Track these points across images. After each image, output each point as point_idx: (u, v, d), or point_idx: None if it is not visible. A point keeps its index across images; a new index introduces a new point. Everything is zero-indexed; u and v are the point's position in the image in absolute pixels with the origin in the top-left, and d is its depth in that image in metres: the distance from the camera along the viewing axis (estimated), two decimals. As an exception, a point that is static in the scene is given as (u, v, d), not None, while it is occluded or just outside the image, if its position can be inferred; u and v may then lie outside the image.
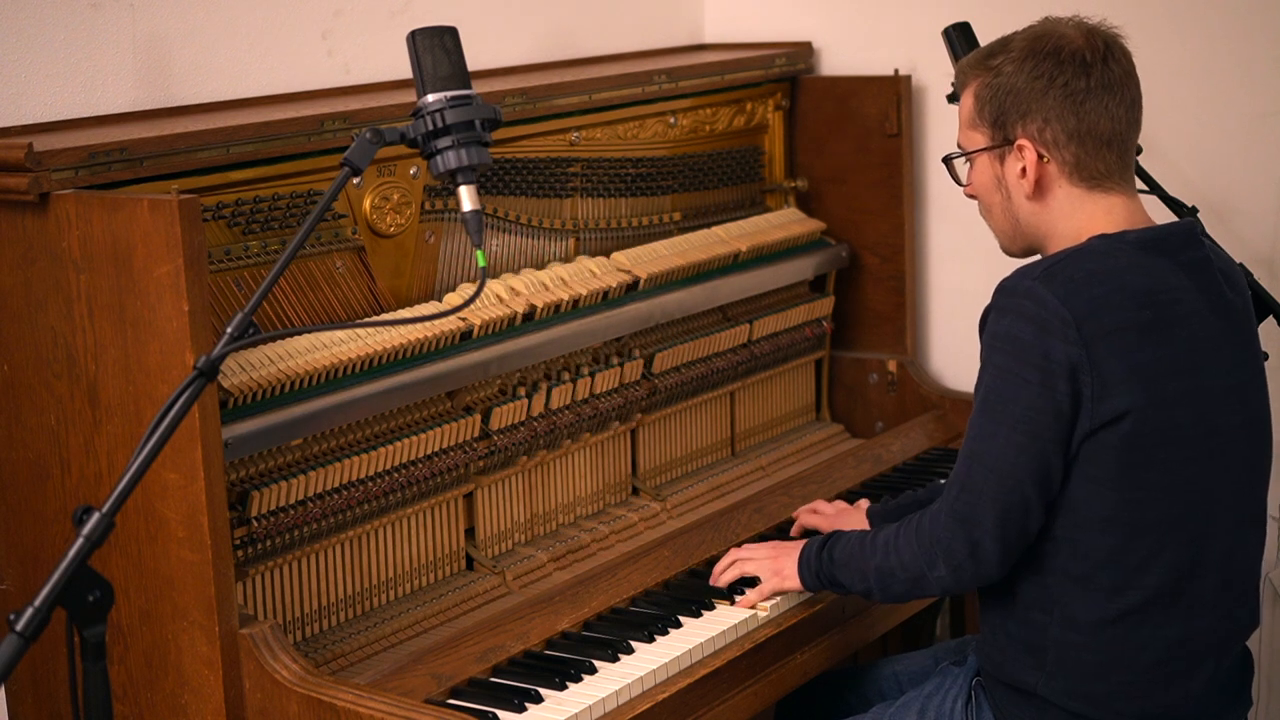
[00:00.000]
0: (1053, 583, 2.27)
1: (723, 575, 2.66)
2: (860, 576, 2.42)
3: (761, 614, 2.57)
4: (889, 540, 2.37)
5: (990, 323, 2.25)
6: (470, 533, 2.79)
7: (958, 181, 2.44)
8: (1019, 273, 2.25)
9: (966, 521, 2.26)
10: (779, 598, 2.60)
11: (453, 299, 2.74)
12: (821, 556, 2.50)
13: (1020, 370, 2.19)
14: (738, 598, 2.61)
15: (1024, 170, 2.30)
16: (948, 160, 2.44)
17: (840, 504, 2.90)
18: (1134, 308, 2.20)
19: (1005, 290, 2.24)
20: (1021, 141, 2.30)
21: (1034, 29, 2.32)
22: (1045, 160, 2.30)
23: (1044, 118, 2.27)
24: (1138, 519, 2.22)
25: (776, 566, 2.59)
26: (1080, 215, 2.30)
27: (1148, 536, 2.22)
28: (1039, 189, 2.31)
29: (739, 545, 2.73)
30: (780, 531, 2.90)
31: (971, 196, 2.42)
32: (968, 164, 2.40)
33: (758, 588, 2.60)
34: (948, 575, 2.29)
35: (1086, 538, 2.23)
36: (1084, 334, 2.17)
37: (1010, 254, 2.42)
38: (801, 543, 2.58)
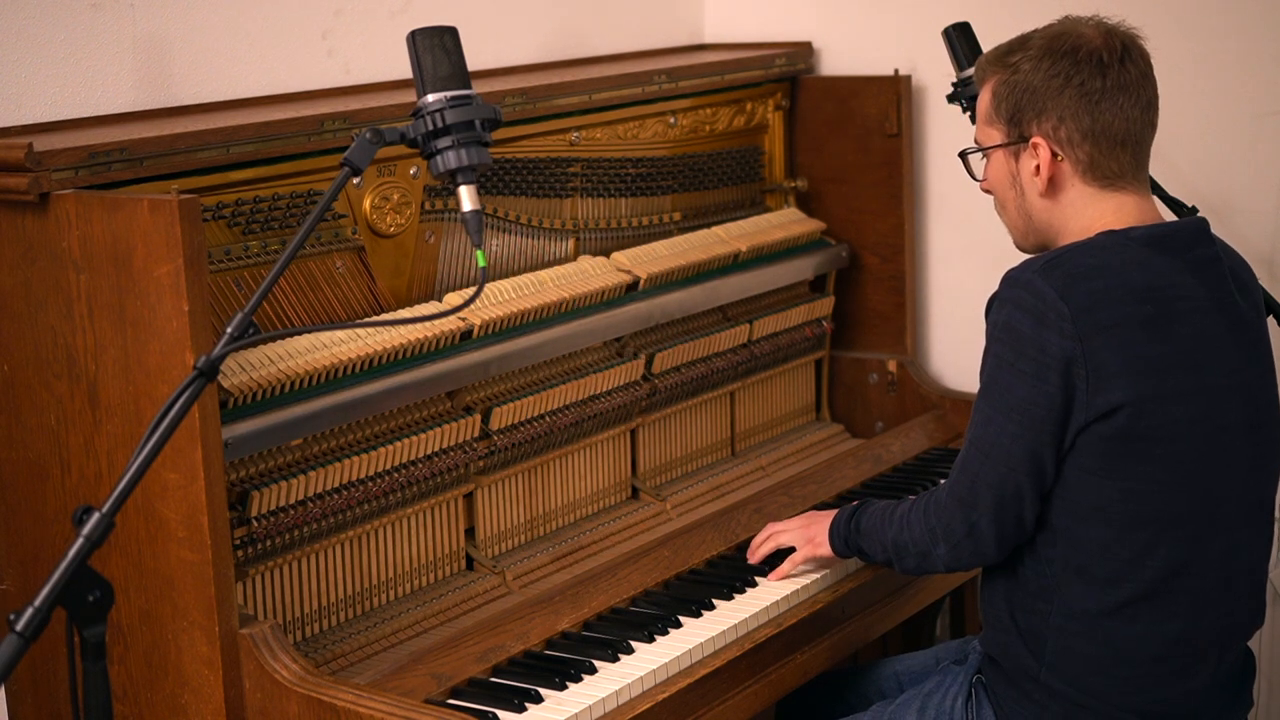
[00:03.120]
0: (1054, 572, 2.28)
1: (759, 550, 2.71)
2: (881, 547, 2.48)
3: (795, 587, 2.64)
4: (905, 515, 2.42)
5: (993, 312, 2.28)
6: (470, 533, 2.79)
7: (973, 177, 2.46)
8: (1023, 265, 2.27)
9: (965, 503, 2.30)
10: (814, 574, 2.65)
11: (453, 299, 2.74)
12: (850, 525, 2.56)
13: (1016, 361, 2.21)
14: (768, 571, 2.68)
15: (1038, 168, 2.31)
16: (964, 155, 2.45)
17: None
18: (1134, 302, 2.21)
19: (1008, 281, 2.26)
20: (1036, 139, 2.30)
21: (1053, 28, 2.33)
22: (1059, 159, 2.30)
23: (1059, 116, 2.28)
24: (1133, 512, 2.22)
25: (809, 534, 2.65)
26: (1091, 213, 2.31)
27: (1144, 530, 2.23)
28: (1052, 187, 2.32)
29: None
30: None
31: (987, 192, 2.43)
32: (984, 159, 2.41)
33: (791, 556, 2.66)
34: (948, 553, 2.34)
35: (1082, 528, 2.25)
36: (1079, 327, 2.17)
37: (1023, 250, 2.43)
38: (833, 512, 2.63)
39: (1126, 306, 2.20)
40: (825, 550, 2.62)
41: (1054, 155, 2.31)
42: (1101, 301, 2.20)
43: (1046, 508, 2.27)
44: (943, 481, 2.42)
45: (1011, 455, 2.24)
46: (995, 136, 2.37)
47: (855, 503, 2.60)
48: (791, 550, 2.68)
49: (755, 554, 2.72)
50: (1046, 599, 2.29)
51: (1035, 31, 2.35)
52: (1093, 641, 2.26)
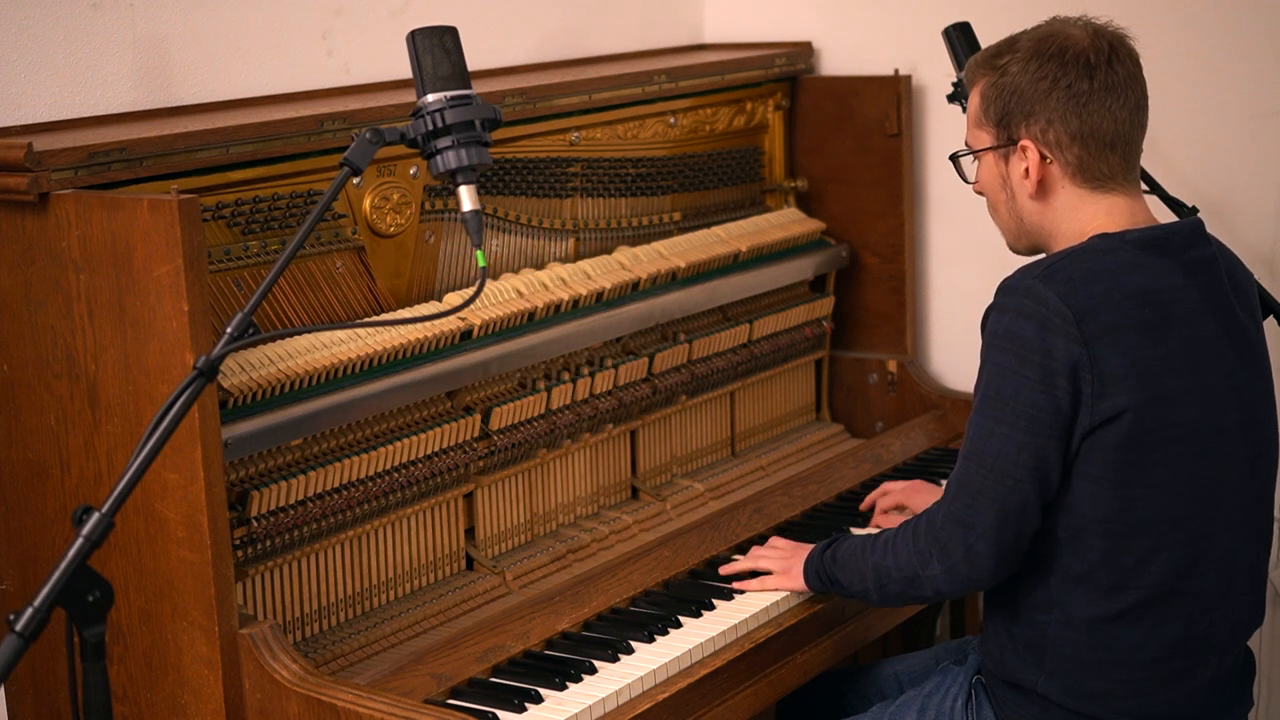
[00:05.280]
0: (1054, 582, 2.27)
1: (734, 567, 2.69)
2: (859, 576, 2.43)
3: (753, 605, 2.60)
4: (889, 540, 2.38)
5: (991, 321, 2.26)
6: (470, 533, 2.79)
7: (965, 179, 2.45)
8: (1020, 271, 2.25)
9: (963, 523, 2.26)
10: (783, 594, 2.61)
11: (453, 299, 2.74)
12: (824, 556, 2.52)
13: (1020, 368, 2.19)
14: (738, 584, 2.64)
15: (1027, 170, 2.31)
16: (954, 158, 2.45)
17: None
18: (1133, 306, 2.20)
19: (1006, 289, 2.24)
20: (1025, 142, 2.30)
21: (1041, 29, 2.33)
22: (1048, 161, 2.30)
23: (1047, 119, 2.28)
24: (1136, 518, 2.22)
25: (786, 564, 2.62)
26: (1082, 215, 2.31)
27: (1146, 535, 2.22)
28: (1042, 189, 2.32)
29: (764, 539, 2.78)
30: (780, 532, 2.90)
31: (980, 194, 2.43)
32: (974, 162, 2.40)
33: (760, 579, 2.64)
34: (941, 575, 2.29)
35: (1086, 537, 2.23)
36: (1084, 331, 2.17)
37: (1016, 251, 2.42)
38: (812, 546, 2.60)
39: (1126, 311, 2.20)
40: (797, 583, 2.59)
41: (1043, 157, 2.30)
42: (1103, 306, 2.19)
43: (1050, 519, 2.25)
44: (932, 504, 2.39)
45: (1017, 466, 2.20)
46: (985, 139, 2.37)
47: (833, 536, 2.57)
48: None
49: (729, 568, 2.70)
50: (1045, 610, 2.28)
51: (1023, 33, 2.34)
52: (1093, 648, 2.25)
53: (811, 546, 2.62)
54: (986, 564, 2.26)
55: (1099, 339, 2.17)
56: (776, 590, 2.62)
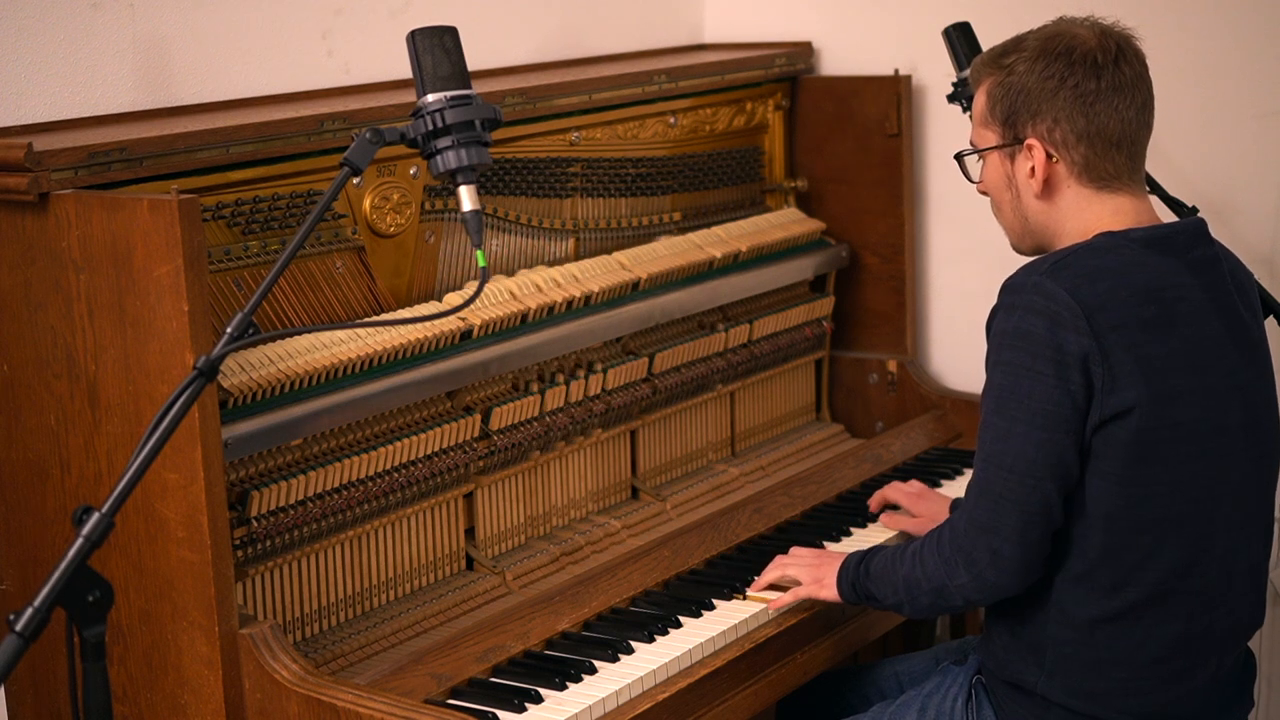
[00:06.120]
0: (1055, 582, 2.27)
1: (764, 580, 2.64)
2: (892, 589, 2.40)
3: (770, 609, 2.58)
4: (917, 550, 2.36)
5: (998, 321, 2.24)
6: (470, 533, 2.79)
7: (969, 179, 2.45)
8: (1025, 269, 2.25)
9: (986, 529, 2.24)
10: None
11: (453, 299, 2.74)
12: (859, 569, 2.47)
13: (1033, 364, 2.19)
14: (773, 603, 2.59)
15: (1033, 170, 2.30)
16: (959, 157, 2.45)
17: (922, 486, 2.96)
18: (1137, 303, 2.20)
19: (1012, 288, 2.24)
20: (1031, 141, 2.30)
21: (1048, 29, 2.33)
22: (1054, 160, 2.30)
23: (1053, 118, 2.27)
24: (1139, 515, 2.22)
25: (818, 574, 2.56)
26: (1088, 215, 2.30)
27: (1148, 534, 2.22)
28: (1048, 188, 2.31)
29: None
30: (780, 532, 2.91)
31: (984, 194, 2.42)
32: (980, 162, 2.40)
33: (793, 589, 2.58)
34: (970, 584, 2.27)
35: (1089, 535, 2.23)
36: (1094, 325, 2.16)
37: (1020, 252, 2.42)
38: (843, 554, 2.55)
39: (1131, 308, 2.20)
40: (831, 594, 2.53)
41: (1049, 157, 2.30)
42: (1108, 302, 2.19)
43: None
44: (955, 513, 2.37)
45: (1036, 464, 2.19)
46: (990, 138, 2.36)
47: (867, 548, 2.52)
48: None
49: (758, 585, 2.64)
50: (1045, 609, 2.28)
51: (1030, 32, 2.34)
52: (1093, 647, 2.25)
53: (835, 553, 2.58)
54: (1013, 568, 2.24)
55: (1107, 334, 2.17)
56: (810, 600, 2.58)
